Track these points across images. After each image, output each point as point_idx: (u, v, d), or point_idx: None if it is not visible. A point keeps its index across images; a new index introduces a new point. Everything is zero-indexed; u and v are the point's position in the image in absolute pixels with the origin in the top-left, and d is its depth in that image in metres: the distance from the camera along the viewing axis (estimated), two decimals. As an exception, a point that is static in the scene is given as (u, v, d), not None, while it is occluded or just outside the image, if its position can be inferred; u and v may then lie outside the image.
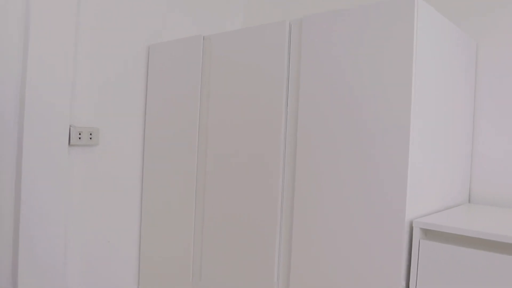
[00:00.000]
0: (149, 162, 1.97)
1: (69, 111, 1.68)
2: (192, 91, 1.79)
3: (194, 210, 1.78)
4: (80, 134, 1.73)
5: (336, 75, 1.37)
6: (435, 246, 1.19)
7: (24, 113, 1.56)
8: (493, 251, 1.12)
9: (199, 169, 1.77)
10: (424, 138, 1.30)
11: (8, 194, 1.57)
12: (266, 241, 1.53)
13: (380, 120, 1.27)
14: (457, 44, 1.49)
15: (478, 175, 1.66)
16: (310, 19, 1.43)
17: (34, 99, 1.58)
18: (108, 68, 1.85)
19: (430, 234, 1.24)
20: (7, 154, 1.57)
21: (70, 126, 1.71)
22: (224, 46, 1.68)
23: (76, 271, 1.79)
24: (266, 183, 1.54)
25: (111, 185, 1.90)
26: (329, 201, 1.37)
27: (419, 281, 1.21)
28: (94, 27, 1.79)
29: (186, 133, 1.80)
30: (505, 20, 1.61)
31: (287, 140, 1.51)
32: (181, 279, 1.82)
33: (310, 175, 1.42)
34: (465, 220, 1.27)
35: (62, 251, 1.69)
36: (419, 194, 1.29)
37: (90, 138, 1.78)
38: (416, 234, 1.22)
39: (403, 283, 1.22)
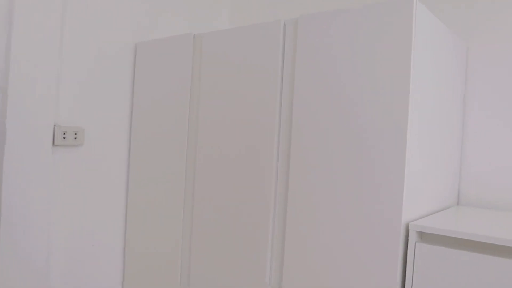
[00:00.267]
0: (135, 162, 1.92)
1: (53, 110, 1.62)
2: (181, 90, 1.74)
3: (183, 210, 1.73)
4: (64, 134, 1.67)
5: (332, 77, 1.35)
6: (431, 249, 1.19)
7: (7, 112, 1.49)
8: (489, 253, 1.12)
9: (188, 169, 1.73)
10: (420, 140, 1.30)
11: (-12, 196, 1.50)
12: (258, 242, 1.51)
13: (377, 122, 1.26)
14: (449, 47, 1.50)
15: (467, 177, 1.68)
16: (306, 19, 1.41)
17: (17, 98, 1.52)
18: (93, 67, 1.79)
19: (425, 237, 1.24)
20: (-12, 154, 1.50)
21: (54, 125, 1.65)
22: (216, 45, 1.65)
23: (59, 272, 1.74)
24: (258, 185, 1.51)
25: (96, 186, 1.84)
26: (323, 204, 1.35)
27: (415, 284, 1.21)
28: (79, 24, 1.73)
29: (175, 133, 1.76)
30: (495, 24, 1.63)
31: (280, 141, 1.48)
32: (168, 281, 1.78)
33: (304, 177, 1.40)
34: (460, 223, 1.27)
35: (45, 251, 1.64)
36: (414, 197, 1.28)
37: (75, 138, 1.72)
38: (412, 237, 1.22)
39: None
